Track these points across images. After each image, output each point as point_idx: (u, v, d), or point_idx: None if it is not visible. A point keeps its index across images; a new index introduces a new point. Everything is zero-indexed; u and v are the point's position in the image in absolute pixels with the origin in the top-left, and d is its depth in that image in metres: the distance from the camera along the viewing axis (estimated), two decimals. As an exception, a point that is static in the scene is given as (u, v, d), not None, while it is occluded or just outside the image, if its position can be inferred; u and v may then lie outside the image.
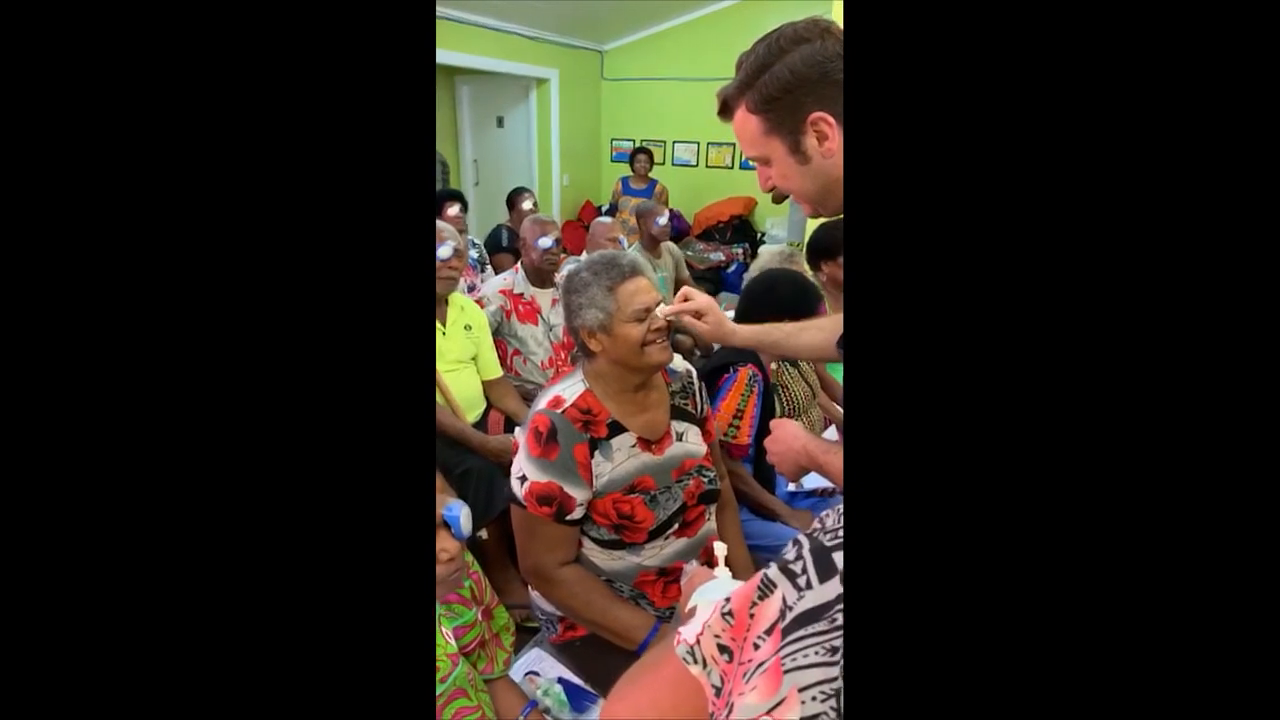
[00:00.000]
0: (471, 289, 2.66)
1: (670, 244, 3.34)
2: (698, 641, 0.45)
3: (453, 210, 2.89)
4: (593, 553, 1.17)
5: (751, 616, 0.42)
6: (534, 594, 1.24)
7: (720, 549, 0.91)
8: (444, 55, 4.12)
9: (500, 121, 5.39)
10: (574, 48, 5.17)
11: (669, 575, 1.19)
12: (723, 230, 5.09)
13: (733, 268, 4.87)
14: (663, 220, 3.12)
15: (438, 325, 1.92)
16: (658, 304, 1.13)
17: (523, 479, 1.10)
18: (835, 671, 0.36)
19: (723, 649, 0.44)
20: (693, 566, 1.11)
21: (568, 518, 1.10)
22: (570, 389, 1.15)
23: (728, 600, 0.44)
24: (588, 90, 5.51)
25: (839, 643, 0.37)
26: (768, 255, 1.90)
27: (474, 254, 3.21)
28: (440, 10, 3.92)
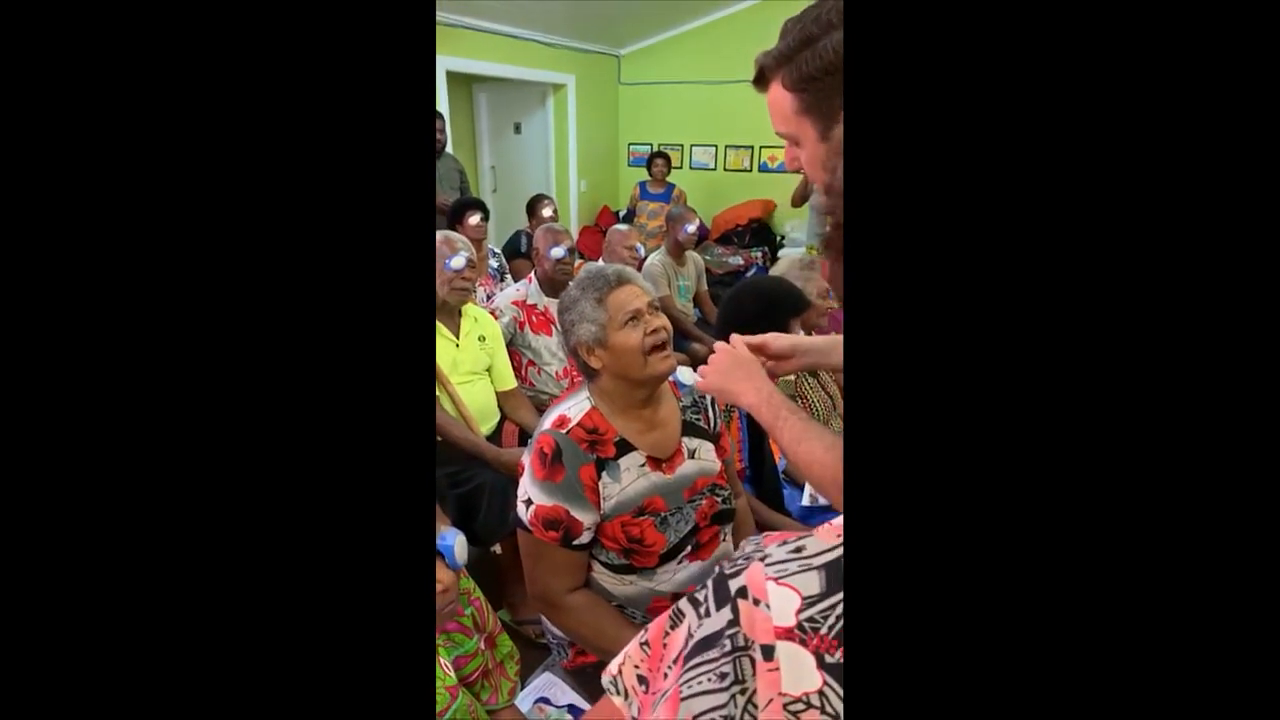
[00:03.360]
0: (490, 298, 2.65)
1: (693, 253, 3.31)
2: (619, 672, 0.46)
3: (474, 219, 2.87)
4: (603, 577, 1.13)
5: (665, 646, 0.43)
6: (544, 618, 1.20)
7: None
8: (461, 63, 4.13)
9: (518, 128, 5.40)
10: (590, 53, 5.16)
11: None
12: (741, 234, 5.04)
13: (751, 271, 4.81)
14: (691, 227, 3.09)
15: (451, 337, 1.91)
16: (649, 304, 1.10)
17: (528, 503, 1.07)
18: (724, 699, 0.36)
19: (641, 679, 0.45)
20: None
21: (575, 542, 1.07)
22: (575, 407, 1.12)
23: (646, 630, 0.45)
24: (604, 95, 5.50)
25: (728, 669, 0.37)
26: (786, 263, 1.86)
27: (493, 263, 3.19)
28: (456, 18, 3.93)
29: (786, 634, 0.36)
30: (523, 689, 1.17)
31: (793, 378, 1.96)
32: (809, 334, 1.81)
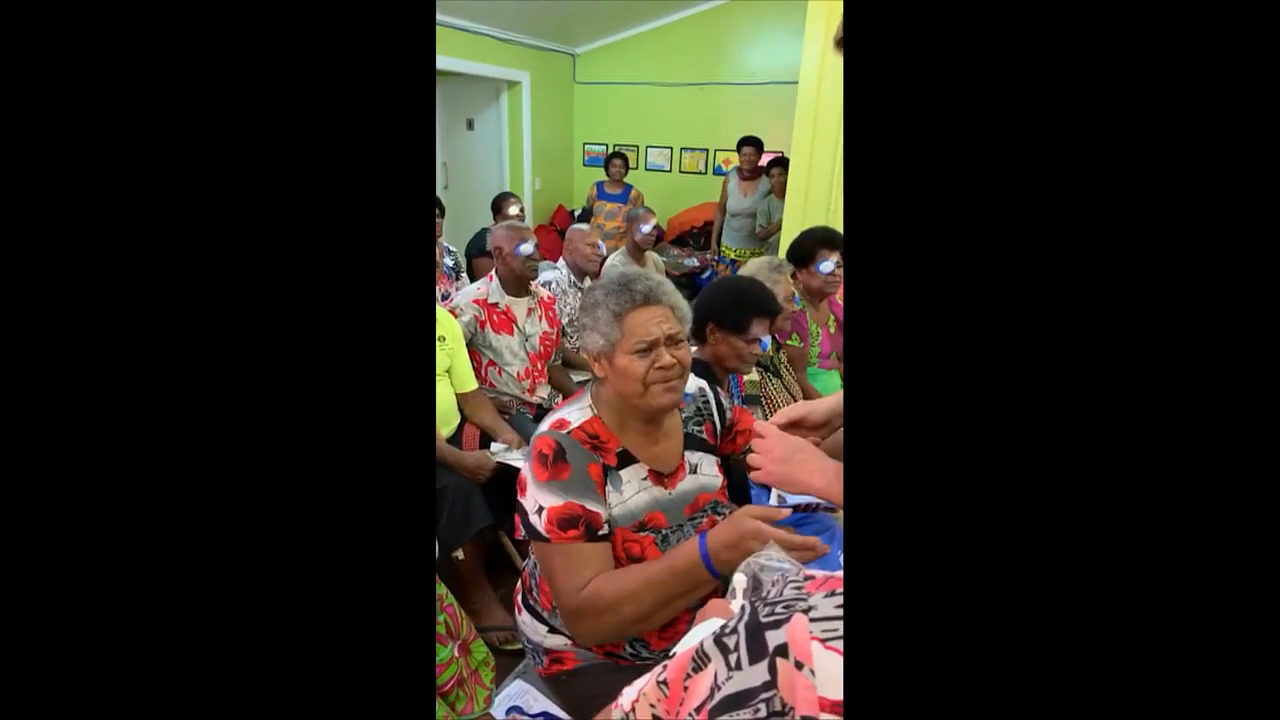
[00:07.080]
0: (445, 297, 2.59)
1: (653, 253, 3.31)
2: (633, 709, 0.44)
3: (428, 216, 2.81)
4: None
5: (685, 689, 0.40)
6: (520, 621, 1.16)
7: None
8: (413, 56, 4.02)
9: (470, 124, 5.29)
10: (546, 50, 5.11)
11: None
12: (697, 236, 5.07)
13: (707, 274, 4.84)
14: (647, 228, 3.09)
15: (410, 336, 1.85)
16: (670, 335, 1.03)
17: (540, 510, 0.98)
18: None
19: None
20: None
21: (600, 533, 0.99)
22: (577, 413, 1.06)
23: (664, 668, 0.43)
24: (560, 93, 5.45)
25: None
26: (755, 264, 1.87)
27: (449, 261, 3.12)
28: (409, 10, 3.83)
29: (833, 708, 0.32)
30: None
31: (756, 378, 1.98)
32: (774, 336, 1.83)
